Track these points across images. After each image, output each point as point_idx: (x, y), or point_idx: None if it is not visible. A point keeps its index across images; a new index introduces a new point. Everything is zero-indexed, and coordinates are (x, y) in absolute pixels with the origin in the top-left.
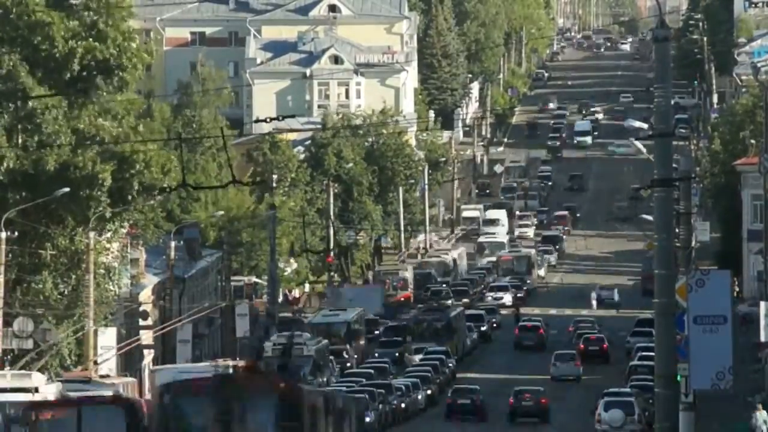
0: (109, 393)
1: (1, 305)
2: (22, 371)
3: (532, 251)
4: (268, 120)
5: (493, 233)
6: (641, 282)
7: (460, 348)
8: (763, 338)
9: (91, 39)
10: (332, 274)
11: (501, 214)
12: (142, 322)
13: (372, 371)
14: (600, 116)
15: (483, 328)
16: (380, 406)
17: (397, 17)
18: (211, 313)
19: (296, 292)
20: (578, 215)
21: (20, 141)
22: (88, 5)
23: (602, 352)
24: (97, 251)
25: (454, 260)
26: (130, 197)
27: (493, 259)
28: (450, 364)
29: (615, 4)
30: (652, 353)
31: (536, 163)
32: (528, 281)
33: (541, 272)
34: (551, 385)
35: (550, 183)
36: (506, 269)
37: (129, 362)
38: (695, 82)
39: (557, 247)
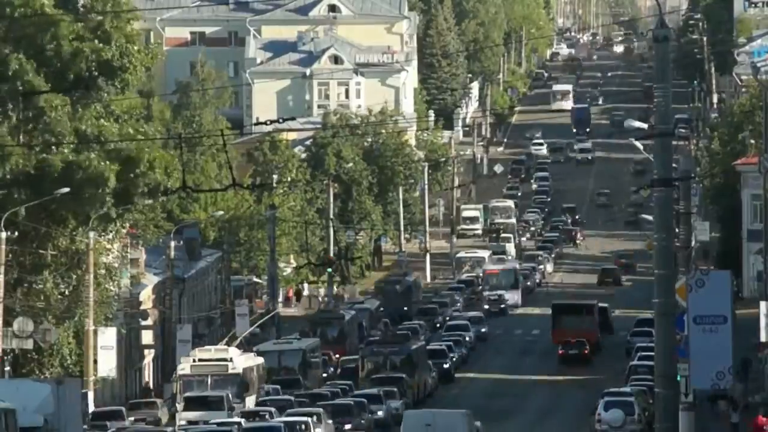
0: None
1: (1, 305)
2: None
3: (518, 264)
4: (268, 122)
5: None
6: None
7: (422, 387)
8: (763, 338)
9: (96, 40)
10: (332, 273)
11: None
12: (142, 322)
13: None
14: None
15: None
16: None
17: (397, 17)
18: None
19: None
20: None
21: (23, 140)
22: (94, 7)
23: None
24: (97, 251)
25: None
26: (135, 198)
27: (473, 274)
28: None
29: (615, 4)
30: (652, 353)
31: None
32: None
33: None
34: (550, 386)
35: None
36: (492, 284)
37: (129, 362)
38: (695, 82)
39: (553, 254)
